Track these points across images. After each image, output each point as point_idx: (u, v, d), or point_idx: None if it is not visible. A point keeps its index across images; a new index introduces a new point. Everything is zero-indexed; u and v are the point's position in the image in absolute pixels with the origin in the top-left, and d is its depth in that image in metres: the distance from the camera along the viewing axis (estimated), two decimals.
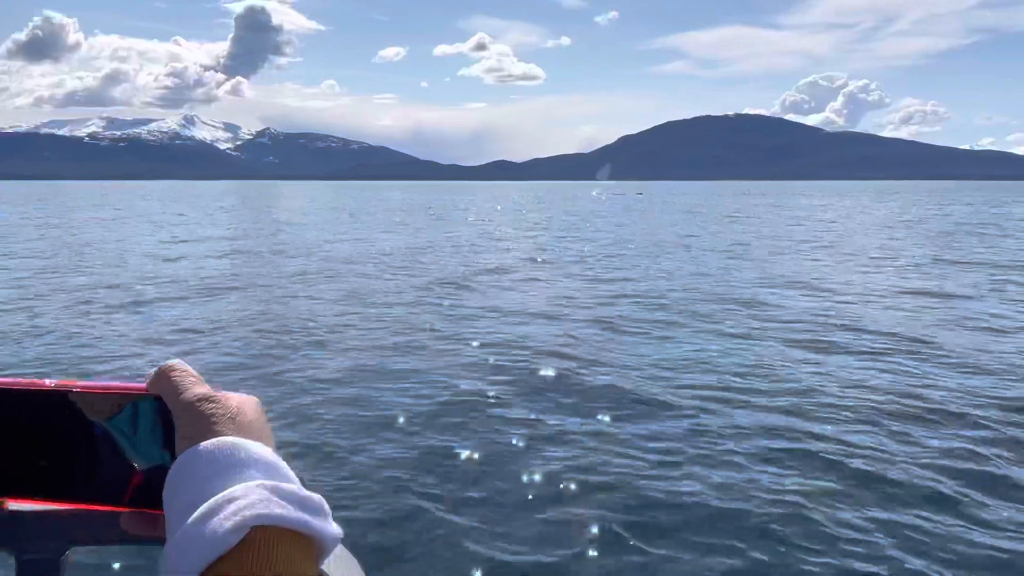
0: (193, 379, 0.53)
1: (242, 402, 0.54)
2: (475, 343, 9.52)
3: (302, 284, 15.20)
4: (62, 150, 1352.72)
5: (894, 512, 4.60)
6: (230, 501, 0.45)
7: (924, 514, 4.57)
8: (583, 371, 8.08)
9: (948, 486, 4.95)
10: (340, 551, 0.65)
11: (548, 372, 8.07)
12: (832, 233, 29.70)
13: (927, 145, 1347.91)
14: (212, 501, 0.46)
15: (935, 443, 5.83)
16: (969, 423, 6.29)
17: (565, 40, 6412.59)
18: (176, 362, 0.55)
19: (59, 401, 0.55)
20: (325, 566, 0.54)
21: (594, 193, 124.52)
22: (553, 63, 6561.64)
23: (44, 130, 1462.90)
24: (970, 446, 5.73)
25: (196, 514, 0.45)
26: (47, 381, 0.55)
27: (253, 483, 0.47)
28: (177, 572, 0.44)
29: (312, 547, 0.47)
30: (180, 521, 0.46)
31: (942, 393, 7.22)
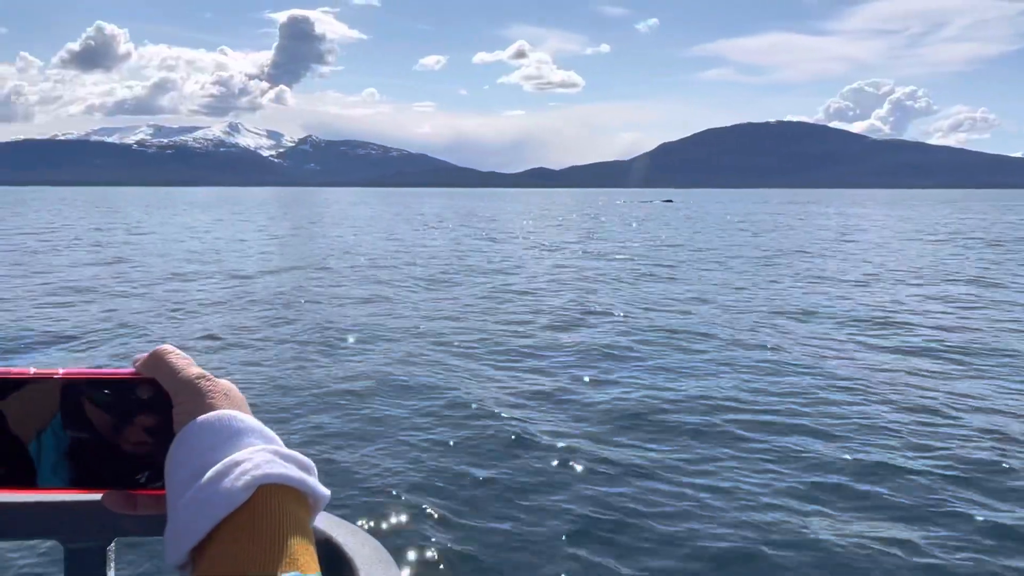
0: (186, 360, 0.57)
1: (227, 388, 0.57)
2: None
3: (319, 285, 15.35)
4: (111, 157, 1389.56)
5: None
6: (237, 464, 0.50)
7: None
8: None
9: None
10: (371, 543, 0.69)
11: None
12: (847, 244, 28.49)
13: (977, 153, 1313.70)
14: (220, 464, 0.50)
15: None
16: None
17: (605, 47, 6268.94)
18: (168, 346, 0.58)
19: (55, 389, 0.55)
20: (357, 557, 0.62)
21: (619, 201, 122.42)
22: (592, 70, 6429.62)
23: (94, 137, 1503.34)
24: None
25: (207, 476, 0.49)
26: (31, 370, 0.56)
27: (255, 447, 0.51)
28: (190, 530, 0.48)
29: (308, 502, 0.51)
30: (186, 486, 0.50)
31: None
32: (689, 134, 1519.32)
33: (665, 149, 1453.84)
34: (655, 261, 21.64)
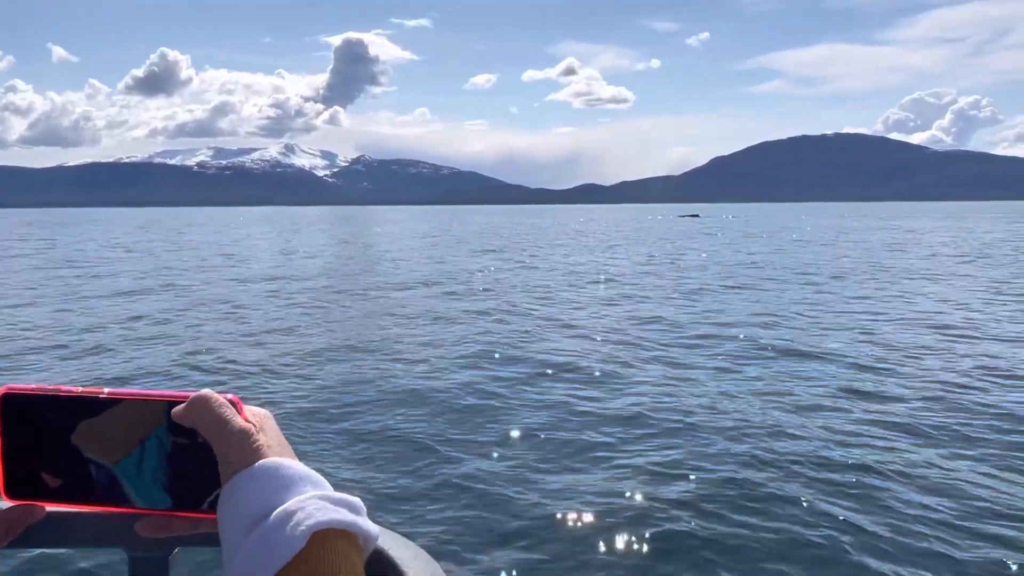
0: (229, 410, 0.58)
1: (263, 419, 0.60)
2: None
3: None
4: (173, 178, 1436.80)
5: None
6: (292, 513, 0.52)
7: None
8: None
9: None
10: (423, 557, 0.70)
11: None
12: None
13: None
14: (275, 514, 0.52)
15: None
16: None
17: (655, 62, 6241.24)
18: (208, 392, 0.59)
19: (113, 409, 0.58)
20: (402, 562, 0.65)
21: (658, 216, 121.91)
22: (643, 85, 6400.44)
23: (157, 160, 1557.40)
24: None
25: (264, 526, 0.52)
26: (105, 389, 0.59)
27: (307, 495, 0.54)
28: (253, 574, 0.51)
29: (359, 542, 0.54)
30: (243, 535, 0.53)
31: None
32: (742, 147, 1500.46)
33: (718, 163, 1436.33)
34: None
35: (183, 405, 0.58)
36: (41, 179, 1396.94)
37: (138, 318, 14.07)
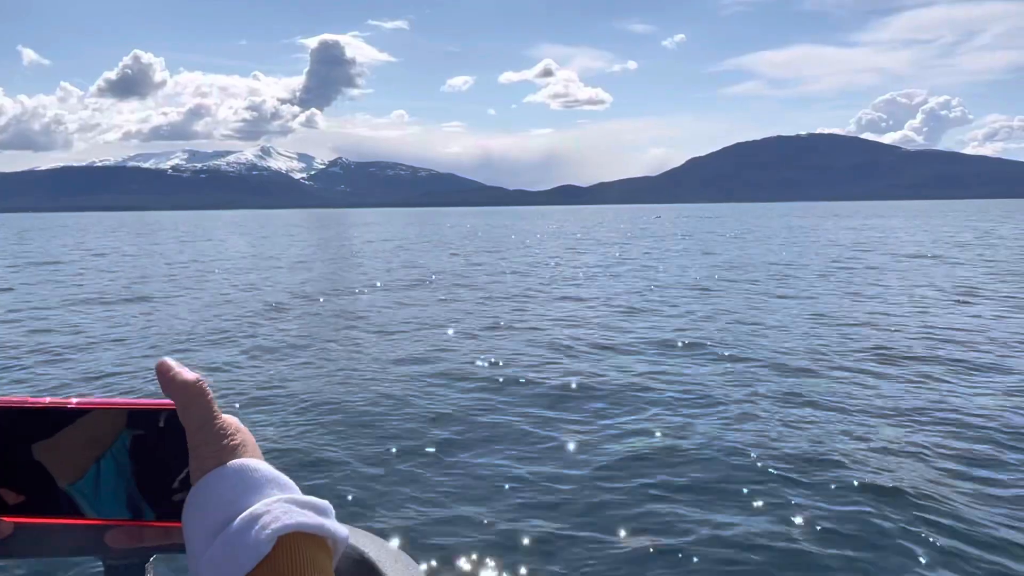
0: (215, 405, 0.57)
1: (235, 423, 0.58)
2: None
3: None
4: (147, 182, 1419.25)
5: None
6: (258, 516, 0.51)
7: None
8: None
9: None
10: (403, 558, 0.69)
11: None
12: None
13: (1014, 162, 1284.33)
14: (244, 516, 0.51)
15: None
16: None
17: (631, 64, 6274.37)
18: (202, 380, 0.57)
19: (82, 419, 0.56)
20: (383, 564, 0.65)
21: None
22: (620, 87, 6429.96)
23: (131, 163, 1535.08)
24: None
25: (230, 530, 0.51)
26: (73, 399, 0.57)
27: (273, 498, 0.53)
28: None
29: (327, 545, 0.53)
30: (208, 538, 0.51)
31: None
32: (718, 148, 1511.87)
33: (695, 164, 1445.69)
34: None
35: (182, 380, 0.56)
36: (12, 184, 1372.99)
37: (99, 325, 14.08)
